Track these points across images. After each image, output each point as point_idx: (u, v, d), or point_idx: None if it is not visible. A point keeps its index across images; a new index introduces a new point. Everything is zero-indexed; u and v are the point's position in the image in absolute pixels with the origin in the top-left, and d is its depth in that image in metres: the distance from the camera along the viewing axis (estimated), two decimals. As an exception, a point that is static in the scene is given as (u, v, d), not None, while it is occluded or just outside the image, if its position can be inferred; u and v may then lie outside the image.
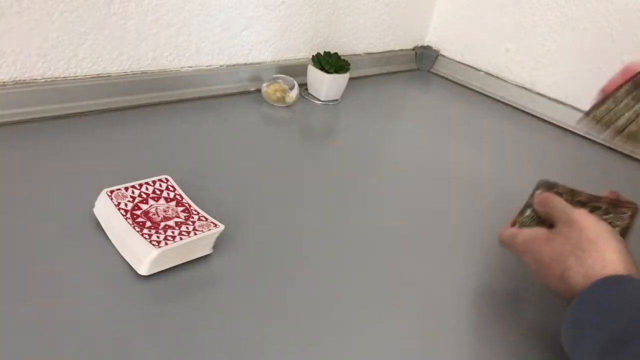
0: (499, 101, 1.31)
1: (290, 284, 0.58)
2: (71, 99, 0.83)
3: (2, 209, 0.60)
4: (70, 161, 0.72)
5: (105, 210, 0.59)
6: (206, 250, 0.59)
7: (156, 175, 0.65)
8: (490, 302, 0.62)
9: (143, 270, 0.53)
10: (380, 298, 0.59)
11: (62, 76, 0.83)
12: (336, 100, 1.12)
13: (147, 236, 0.55)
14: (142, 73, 0.92)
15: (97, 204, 0.60)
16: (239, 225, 0.64)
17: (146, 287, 0.53)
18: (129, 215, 0.58)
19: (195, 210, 0.61)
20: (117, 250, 0.57)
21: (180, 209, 0.61)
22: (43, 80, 0.81)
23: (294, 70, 1.09)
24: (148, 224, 0.57)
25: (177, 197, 0.63)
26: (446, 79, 1.42)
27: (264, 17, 1.04)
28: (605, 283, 0.46)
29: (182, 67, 0.97)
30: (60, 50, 0.81)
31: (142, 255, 0.53)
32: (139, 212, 0.59)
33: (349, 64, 1.09)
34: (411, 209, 0.78)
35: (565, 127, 1.20)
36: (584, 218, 0.52)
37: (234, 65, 1.05)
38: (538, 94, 1.25)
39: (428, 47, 1.47)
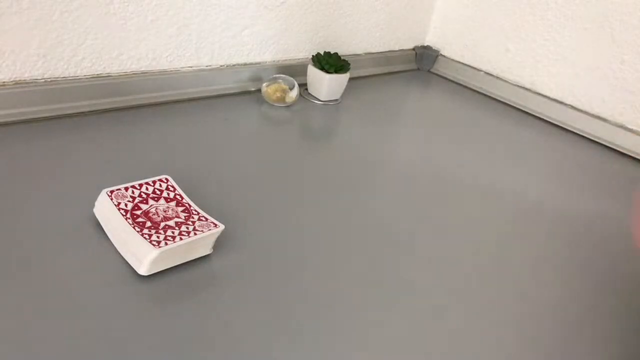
0: (499, 101, 1.31)
1: (290, 283, 0.58)
2: (71, 99, 0.83)
3: (1, 208, 0.60)
4: (70, 161, 0.72)
5: (105, 210, 0.59)
6: (206, 250, 0.59)
7: (156, 175, 0.65)
8: (491, 303, 0.62)
9: (143, 270, 0.53)
10: (379, 298, 0.59)
11: (62, 76, 0.83)
12: (336, 100, 1.12)
13: (147, 236, 0.55)
14: (142, 73, 0.92)
15: (97, 204, 0.60)
16: (239, 225, 0.64)
17: (146, 287, 0.53)
18: (129, 215, 0.58)
19: (195, 210, 0.61)
20: (117, 250, 0.57)
21: (180, 209, 0.61)
22: (43, 80, 0.81)
23: (294, 70, 1.09)
24: (148, 224, 0.57)
25: (177, 197, 0.63)
26: (446, 79, 1.42)
27: (264, 17, 1.04)
28: None
29: (182, 67, 0.97)
30: (60, 50, 0.81)
31: (142, 255, 0.53)
32: (139, 212, 0.59)
33: (349, 64, 1.09)
34: (410, 208, 0.78)
35: (565, 126, 1.20)
36: None
37: (234, 65, 1.05)
38: (538, 94, 1.25)
39: (428, 47, 1.47)
